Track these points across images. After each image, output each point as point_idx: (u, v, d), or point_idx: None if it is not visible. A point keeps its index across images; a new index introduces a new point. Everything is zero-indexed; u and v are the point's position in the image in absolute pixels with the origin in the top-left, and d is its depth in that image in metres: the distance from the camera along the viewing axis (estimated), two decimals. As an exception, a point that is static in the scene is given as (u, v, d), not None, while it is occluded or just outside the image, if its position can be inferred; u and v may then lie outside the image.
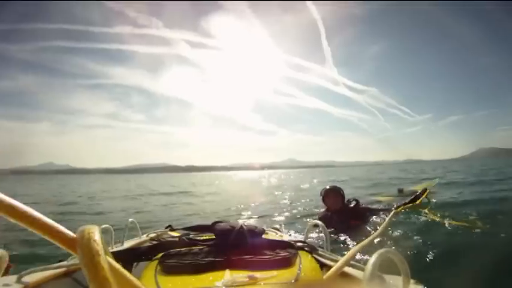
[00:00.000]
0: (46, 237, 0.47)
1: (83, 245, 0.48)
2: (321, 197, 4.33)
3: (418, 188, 7.60)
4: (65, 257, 1.58)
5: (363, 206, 4.56)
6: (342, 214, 4.10)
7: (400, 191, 7.74)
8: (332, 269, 1.14)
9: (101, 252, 0.49)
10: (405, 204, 5.37)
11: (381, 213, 4.61)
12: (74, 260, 1.48)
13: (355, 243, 3.45)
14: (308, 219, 5.60)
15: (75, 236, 0.48)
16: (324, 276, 1.24)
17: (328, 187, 4.35)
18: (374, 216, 4.44)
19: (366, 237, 1.10)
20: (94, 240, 0.48)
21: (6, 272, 1.08)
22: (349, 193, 6.66)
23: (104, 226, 1.85)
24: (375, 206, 5.58)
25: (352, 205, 4.27)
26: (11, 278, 1.13)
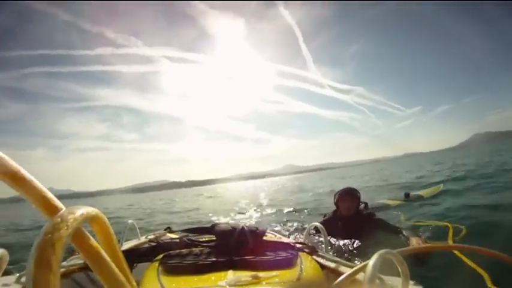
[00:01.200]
0: (30, 199, 0.44)
1: (63, 219, 0.44)
2: (334, 200, 3.70)
3: (424, 193, 7.50)
4: (64, 258, 1.59)
5: (378, 217, 3.61)
6: (353, 221, 3.48)
7: (407, 195, 7.36)
8: (329, 269, 1.18)
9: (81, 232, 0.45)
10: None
11: (401, 235, 3.23)
12: (73, 261, 1.51)
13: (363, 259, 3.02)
14: (306, 225, 5.32)
15: (62, 208, 0.45)
16: (328, 279, 1.32)
17: (343, 189, 3.71)
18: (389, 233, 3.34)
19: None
20: (75, 219, 0.44)
21: (6, 272, 1.09)
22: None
23: None
24: (383, 213, 5.13)
25: (365, 212, 3.65)
26: (11, 278, 1.13)
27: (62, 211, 0.43)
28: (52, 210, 0.44)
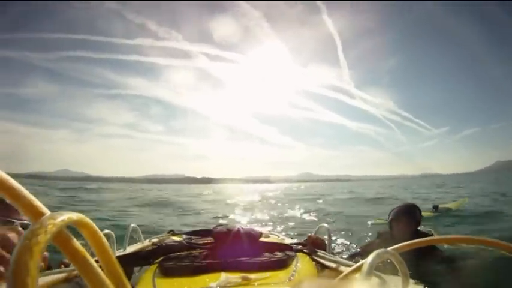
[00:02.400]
0: (17, 205, 0.43)
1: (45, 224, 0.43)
2: (389, 218, 2.94)
3: (451, 205, 7.75)
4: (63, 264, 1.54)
5: (439, 250, 2.83)
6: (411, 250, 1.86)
7: (435, 207, 7.34)
8: (327, 270, 1.22)
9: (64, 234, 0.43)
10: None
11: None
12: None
13: None
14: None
15: (47, 212, 0.44)
16: (319, 277, 1.33)
17: (400, 207, 2.94)
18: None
19: None
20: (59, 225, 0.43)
21: None
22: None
23: (105, 231, 1.90)
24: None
25: (425, 235, 2.80)
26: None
27: (43, 217, 0.43)
28: (37, 215, 0.43)
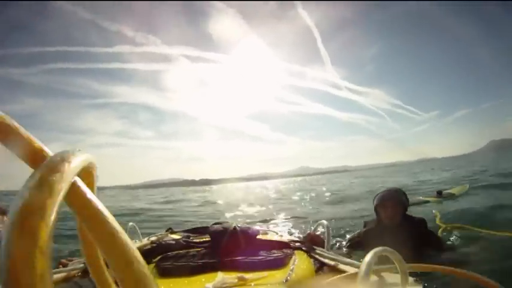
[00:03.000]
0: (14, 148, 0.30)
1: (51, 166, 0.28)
2: (374, 205, 2.84)
3: (454, 190, 7.81)
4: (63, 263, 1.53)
5: (430, 230, 2.84)
6: (399, 233, 2.51)
7: (439, 193, 7.30)
8: (325, 268, 1.20)
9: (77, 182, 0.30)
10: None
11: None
12: (75, 265, 1.45)
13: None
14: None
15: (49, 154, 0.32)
16: (317, 276, 1.30)
17: (384, 192, 2.84)
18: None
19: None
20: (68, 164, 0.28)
21: None
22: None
23: (130, 224, 1.86)
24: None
25: (416, 218, 2.80)
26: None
27: (50, 156, 0.30)
28: (40, 159, 0.30)
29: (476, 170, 17.31)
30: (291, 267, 1.31)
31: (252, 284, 1.13)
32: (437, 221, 4.35)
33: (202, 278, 1.20)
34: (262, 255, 1.40)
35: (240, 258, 1.34)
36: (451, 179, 13.12)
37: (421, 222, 2.78)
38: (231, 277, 1.13)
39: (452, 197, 7.35)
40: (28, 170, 0.28)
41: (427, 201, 6.98)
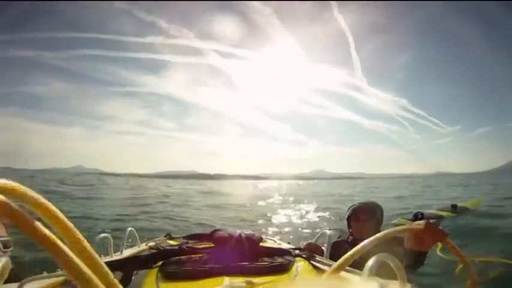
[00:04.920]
0: None
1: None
2: (346, 217, 2.56)
3: (469, 205, 7.65)
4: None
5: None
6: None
7: (454, 206, 7.23)
8: (327, 272, 1.14)
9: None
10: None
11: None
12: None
13: None
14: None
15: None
16: (319, 279, 1.25)
17: (358, 204, 2.54)
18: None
19: None
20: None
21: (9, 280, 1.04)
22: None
23: (102, 235, 1.86)
24: None
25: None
26: (12, 286, 1.06)
27: None
28: None
29: (491, 189, 17.05)
30: (295, 273, 1.37)
31: (260, 287, 1.15)
32: (438, 251, 3.72)
33: (209, 282, 1.20)
34: (266, 261, 1.44)
35: (245, 263, 1.37)
36: (467, 195, 12.68)
37: (396, 239, 2.88)
38: (238, 281, 1.15)
39: (467, 211, 7.10)
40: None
41: (442, 216, 6.60)
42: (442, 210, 7.17)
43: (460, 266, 1.04)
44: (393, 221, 7.06)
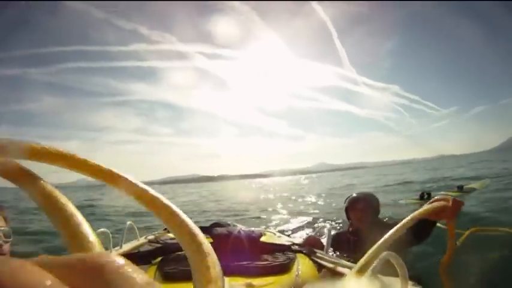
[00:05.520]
0: None
1: None
2: (344, 209, 2.73)
3: (475, 185, 7.60)
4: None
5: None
6: (367, 235, 2.15)
7: (460, 187, 7.12)
8: (327, 271, 1.18)
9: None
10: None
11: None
12: None
13: None
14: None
15: None
16: (321, 280, 1.29)
17: (355, 194, 2.74)
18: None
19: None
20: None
21: None
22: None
23: (100, 230, 1.86)
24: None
25: (391, 221, 2.57)
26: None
27: None
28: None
29: (496, 167, 16.38)
30: (296, 272, 1.33)
31: None
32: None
33: None
34: (267, 259, 1.39)
35: (245, 263, 1.32)
36: (472, 176, 12.42)
37: (395, 225, 2.93)
38: (238, 284, 1.13)
39: (473, 191, 7.13)
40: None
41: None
42: (450, 191, 7.02)
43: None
44: (401, 201, 7.32)
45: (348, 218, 2.72)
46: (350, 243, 2.50)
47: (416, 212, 0.97)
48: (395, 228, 0.94)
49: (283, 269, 1.35)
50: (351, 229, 2.64)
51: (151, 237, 2.22)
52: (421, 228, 1.56)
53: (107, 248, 1.89)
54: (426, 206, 1.07)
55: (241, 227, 1.71)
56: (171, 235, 2.19)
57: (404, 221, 0.95)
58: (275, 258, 1.43)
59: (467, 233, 2.96)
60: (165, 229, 2.45)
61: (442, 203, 1.10)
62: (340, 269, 1.36)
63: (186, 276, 1.14)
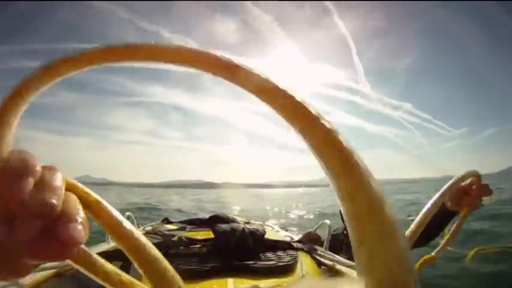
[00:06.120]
0: None
1: None
2: (339, 211, 1.38)
3: (484, 202, 7.80)
4: None
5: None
6: None
7: None
8: (327, 269, 1.17)
9: None
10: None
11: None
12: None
13: None
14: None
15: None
16: (324, 279, 1.52)
17: None
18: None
19: None
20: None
21: None
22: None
23: (127, 214, 1.83)
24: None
25: None
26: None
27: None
28: None
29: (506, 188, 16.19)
30: (300, 273, 1.30)
31: None
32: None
33: (212, 283, 1.12)
34: (272, 259, 1.34)
35: (250, 263, 1.27)
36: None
37: None
38: (244, 286, 1.10)
39: (482, 207, 7.08)
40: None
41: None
42: None
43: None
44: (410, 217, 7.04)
45: (343, 221, 2.46)
46: (344, 245, 2.42)
47: (446, 186, 0.85)
48: (432, 199, 0.81)
49: (288, 269, 1.31)
50: (345, 231, 2.51)
51: (149, 228, 2.20)
52: (436, 223, 1.29)
53: (105, 240, 1.91)
54: (455, 179, 0.92)
55: (244, 225, 1.56)
56: (169, 226, 2.15)
57: (435, 197, 0.81)
58: (279, 258, 1.36)
59: (472, 252, 2.88)
60: (163, 220, 2.48)
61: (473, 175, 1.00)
62: (339, 267, 1.35)
63: (189, 276, 1.15)
